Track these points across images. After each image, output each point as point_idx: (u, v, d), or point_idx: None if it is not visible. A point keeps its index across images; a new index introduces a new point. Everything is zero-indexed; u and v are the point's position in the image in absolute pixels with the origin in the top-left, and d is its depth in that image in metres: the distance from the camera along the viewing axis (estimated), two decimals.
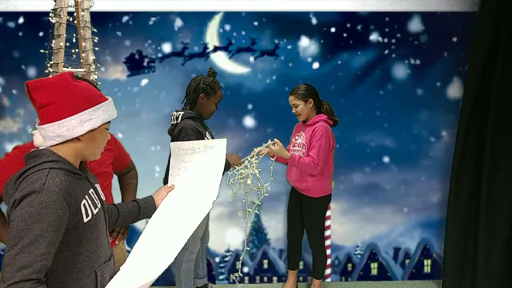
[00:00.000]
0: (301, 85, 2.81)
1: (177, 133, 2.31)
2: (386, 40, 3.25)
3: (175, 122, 2.42)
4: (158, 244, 1.47)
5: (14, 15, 3.07)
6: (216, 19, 3.18)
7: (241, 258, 2.90)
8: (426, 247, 3.42)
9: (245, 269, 3.41)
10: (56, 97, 1.21)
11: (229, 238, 3.36)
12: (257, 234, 3.38)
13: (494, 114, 2.89)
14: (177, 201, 1.67)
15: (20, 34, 3.08)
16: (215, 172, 1.71)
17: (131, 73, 3.19)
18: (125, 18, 3.13)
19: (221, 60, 3.22)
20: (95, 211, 1.29)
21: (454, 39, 3.25)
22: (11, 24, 3.08)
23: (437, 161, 3.34)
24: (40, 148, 1.27)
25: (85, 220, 1.24)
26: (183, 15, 3.16)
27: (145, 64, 3.18)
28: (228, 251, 3.37)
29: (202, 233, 2.70)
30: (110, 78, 3.17)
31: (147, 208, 1.65)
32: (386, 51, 3.25)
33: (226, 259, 3.37)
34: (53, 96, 1.21)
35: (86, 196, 1.27)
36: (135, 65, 3.18)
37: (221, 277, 3.38)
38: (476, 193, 3.00)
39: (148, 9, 3.14)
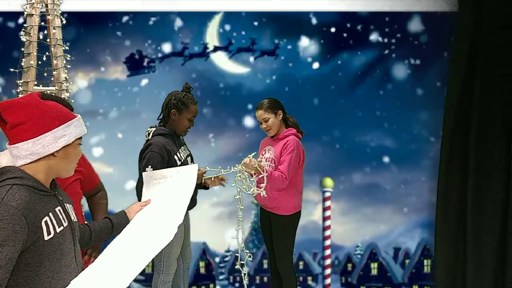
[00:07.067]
0: (266, 99, 2.67)
1: (144, 149, 2.27)
2: (386, 40, 3.24)
3: (147, 138, 2.35)
4: (117, 264, 1.43)
5: (14, 15, 3.07)
6: (216, 19, 3.18)
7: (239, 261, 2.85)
8: (426, 247, 3.42)
9: (245, 269, 3.40)
10: (28, 116, 1.22)
11: (229, 238, 3.35)
12: (257, 234, 3.38)
13: (477, 116, 2.91)
14: (143, 225, 1.63)
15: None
16: (182, 196, 1.68)
17: (131, 73, 3.19)
18: (125, 18, 3.13)
19: (221, 60, 3.22)
20: (58, 229, 1.25)
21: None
22: (11, 24, 3.08)
23: (437, 161, 3.32)
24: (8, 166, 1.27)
25: (46, 238, 1.20)
26: (183, 15, 3.16)
27: (145, 64, 3.18)
28: (228, 251, 3.37)
29: (177, 253, 2.47)
30: (110, 78, 3.17)
31: (119, 223, 1.61)
32: (386, 51, 3.25)
33: (226, 259, 3.37)
34: (25, 115, 1.22)
35: (50, 214, 1.24)
36: (135, 65, 3.18)
37: (221, 277, 3.38)
38: (464, 198, 3.03)
39: (148, 9, 3.14)
